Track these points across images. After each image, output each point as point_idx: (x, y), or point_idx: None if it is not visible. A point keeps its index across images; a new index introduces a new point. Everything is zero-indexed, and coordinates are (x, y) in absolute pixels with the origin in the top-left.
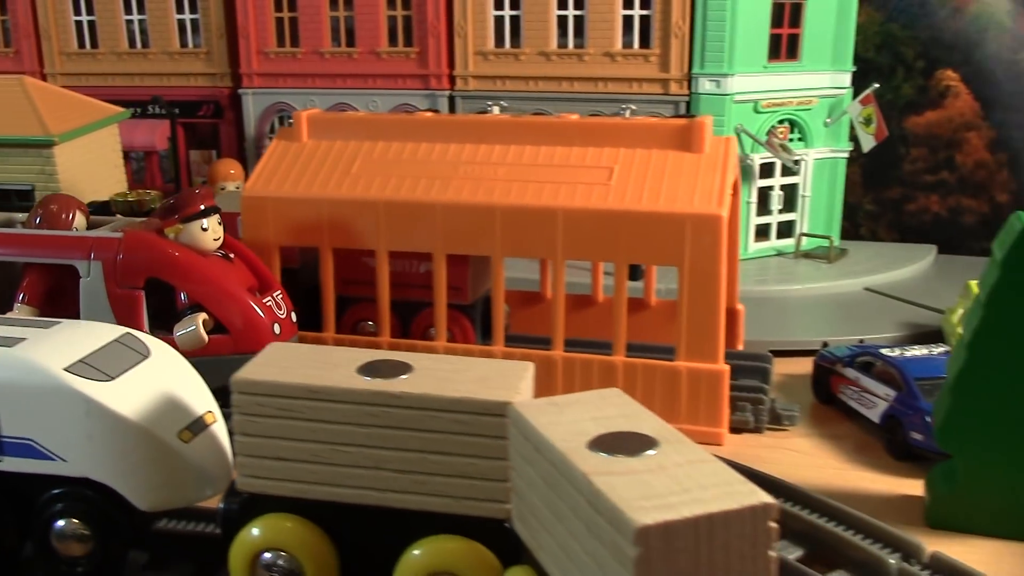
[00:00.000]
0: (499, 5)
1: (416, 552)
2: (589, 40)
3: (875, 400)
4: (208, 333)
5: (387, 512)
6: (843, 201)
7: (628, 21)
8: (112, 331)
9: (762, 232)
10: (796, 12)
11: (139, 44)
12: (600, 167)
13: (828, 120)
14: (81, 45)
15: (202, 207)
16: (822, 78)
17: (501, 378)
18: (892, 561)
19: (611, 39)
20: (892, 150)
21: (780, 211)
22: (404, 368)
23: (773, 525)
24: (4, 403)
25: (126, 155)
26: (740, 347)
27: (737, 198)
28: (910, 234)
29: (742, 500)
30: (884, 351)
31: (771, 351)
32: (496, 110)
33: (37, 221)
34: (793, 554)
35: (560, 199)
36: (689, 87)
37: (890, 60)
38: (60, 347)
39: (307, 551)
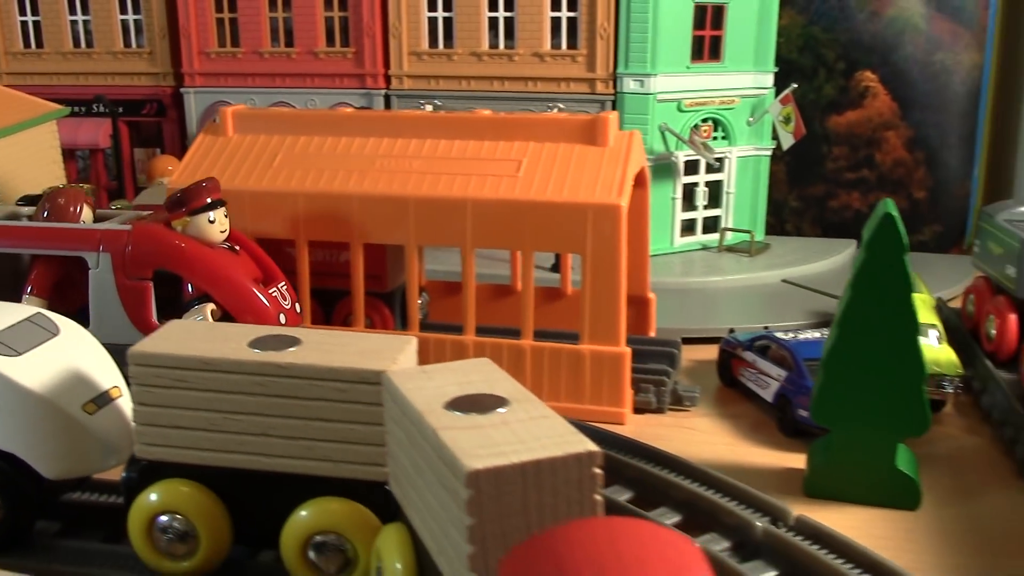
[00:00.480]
0: (432, 7)
1: (302, 513)
2: (519, 41)
3: (769, 381)
4: (216, 322)
5: (275, 476)
6: (769, 198)
7: (556, 23)
8: (23, 311)
9: (688, 227)
10: (718, 15)
11: (83, 44)
12: (509, 160)
13: (751, 119)
14: (27, 45)
15: (209, 200)
16: (744, 78)
17: (381, 351)
18: (759, 524)
19: (540, 40)
20: (815, 149)
21: (705, 207)
22: (293, 342)
23: (598, 471)
24: None
25: (72, 153)
26: (652, 334)
27: (645, 191)
28: (833, 230)
29: (568, 448)
30: (779, 335)
31: (686, 338)
32: (429, 108)
33: (45, 214)
34: (671, 519)
35: (470, 190)
36: (615, 86)
37: (812, 61)
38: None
39: (200, 514)
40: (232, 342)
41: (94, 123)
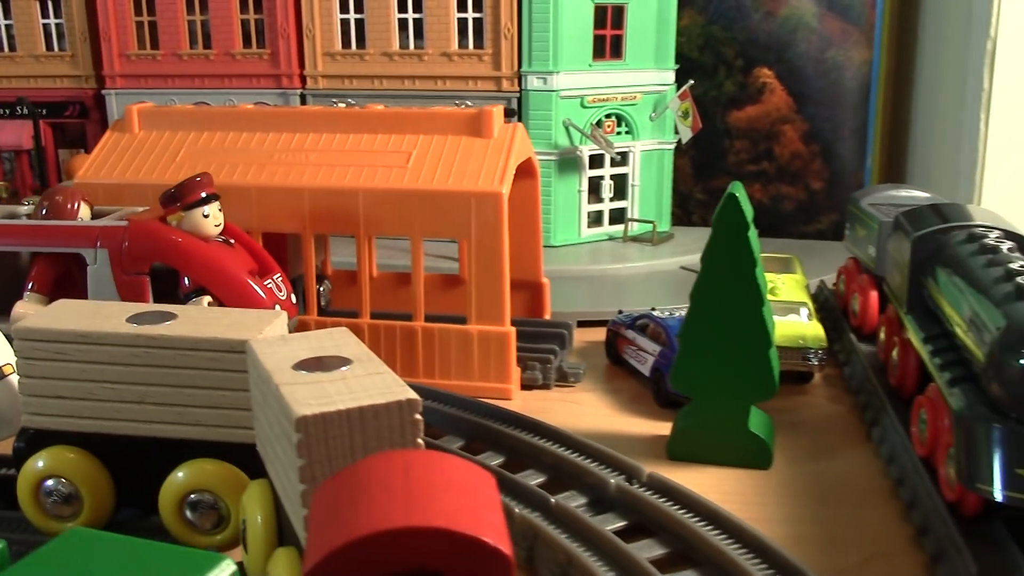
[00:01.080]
0: (344, 9)
1: (178, 475)
2: (428, 41)
3: (646, 356)
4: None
5: (152, 440)
6: (675, 190)
7: (463, 24)
8: None
9: (596, 219)
10: (618, 15)
11: (6, 48)
12: (399, 152)
13: (653, 114)
14: None
15: (203, 195)
16: (646, 75)
17: (249, 323)
18: (613, 481)
19: (448, 40)
20: (718, 143)
21: (611, 199)
22: (168, 316)
23: (418, 418)
24: None
25: None
26: (547, 316)
27: (535, 181)
28: None
29: (391, 397)
30: (656, 314)
31: (584, 321)
32: (342, 106)
33: (43, 212)
34: (536, 480)
35: (362, 181)
36: (520, 84)
37: (712, 59)
38: None
39: (83, 477)
40: (112, 318)
41: (17, 125)
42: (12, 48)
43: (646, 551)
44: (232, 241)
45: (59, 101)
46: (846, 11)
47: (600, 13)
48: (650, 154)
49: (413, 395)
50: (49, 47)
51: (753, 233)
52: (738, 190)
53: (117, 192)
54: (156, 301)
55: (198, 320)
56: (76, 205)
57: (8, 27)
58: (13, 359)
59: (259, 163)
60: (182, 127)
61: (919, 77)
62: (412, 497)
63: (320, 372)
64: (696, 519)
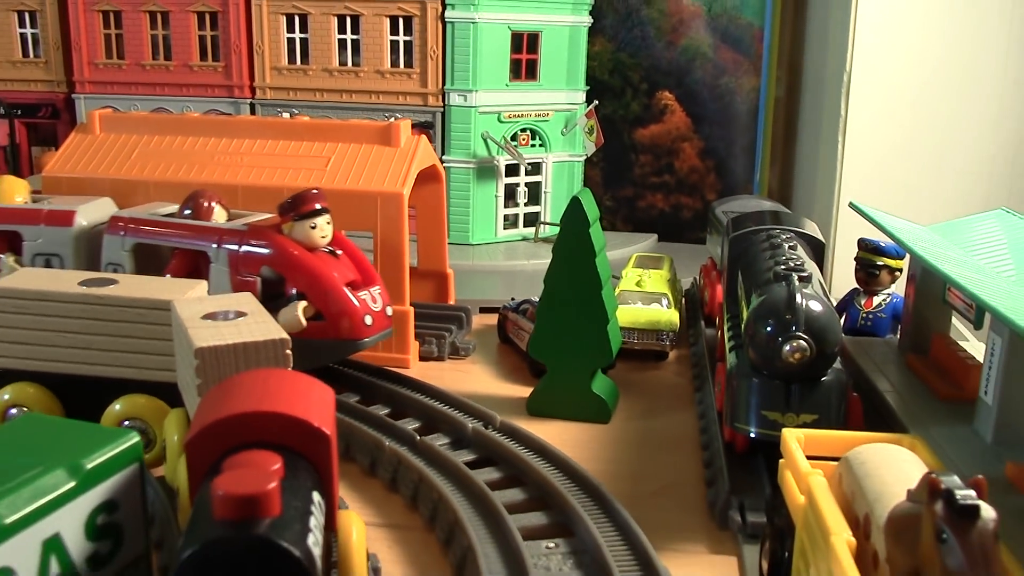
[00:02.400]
0: (291, 28)
1: (116, 406)
2: (364, 60)
3: (524, 335)
4: (310, 319)
5: (95, 379)
6: None
7: (395, 45)
8: None
9: (512, 222)
10: (533, 41)
11: None
12: (320, 157)
13: (564, 130)
14: None
15: (315, 207)
16: (558, 95)
17: (176, 288)
18: (471, 425)
19: (381, 59)
20: (625, 156)
21: (526, 204)
22: (112, 281)
23: (288, 353)
24: None
25: None
26: (451, 301)
27: (440, 184)
28: (642, 226)
29: (268, 336)
30: (534, 299)
31: (486, 308)
32: (287, 116)
33: (187, 212)
34: (412, 425)
35: (287, 180)
36: (443, 100)
37: (620, 82)
38: None
39: (40, 407)
40: (67, 282)
41: None
42: None
43: (484, 476)
44: (339, 252)
45: (33, 103)
46: (737, 43)
47: (517, 39)
48: (562, 165)
49: (285, 336)
50: (25, 54)
51: (596, 229)
52: (584, 195)
53: (78, 184)
54: (265, 302)
55: (135, 285)
56: (212, 206)
57: None
58: None
59: (201, 163)
60: (136, 131)
61: (803, 102)
62: (264, 394)
63: (221, 321)
64: (530, 453)
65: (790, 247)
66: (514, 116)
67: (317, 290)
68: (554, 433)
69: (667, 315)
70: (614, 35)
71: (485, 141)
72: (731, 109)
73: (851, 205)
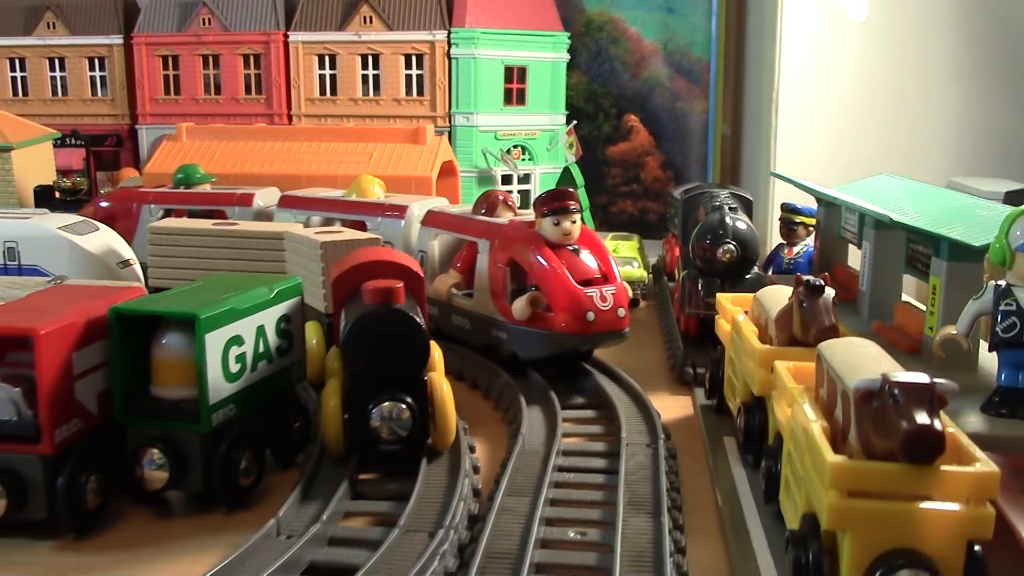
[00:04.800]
0: (321, 66)
1: None
2: (383, 90)
3: None
4: (541, 311)
5: None
6: None
7: (409, 78)
8: (76, 217)
9: None
10: (522, 74)
11: (60, 92)
12: (364, 153)
13: (548, 147)
14: (15, 93)
15: (558, 206)
16: (543, 118)
17: (283, 225)
18: None
19: (397, 89)
20: (599, 169)
21: (519, 207)
22: (236, 224)
23: (382, 244)
24: (27, 246)
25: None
26: None
27: (455, 177)
28: (616, 227)
29: (359, 236)
30: None
31: None
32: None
33: (483, 210)
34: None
35: (339, 170)
36: (450, 121)
37: (593, 108)
38: (71, 223)
39: None
40: (205, 225)
41: (68, 152)
42: (65, 93)
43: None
44: (582, 249)
45: (100, 134)
46: (689, 74)
47: (508, 72)
48: (548, 175)
49: (375, 236)
50: (94, 93)
51: (581, 192)
52: (574, 168)
53: (168, 180)
54: (514, 292)
55: (253, 224)
56: (499, 205)
57: (63, 78)
58: (133, 256)
59: (270, 160)
60: (215, 138)
61: (745, 118)
62: (377, 252)
63: (332, 233)
64: None
65: (725, 197)
66: (508, 134)
67: (543, 283)
68: None
69: (638, 272)
70: (588, 69)
71: (484, 155)
72: (686, 128)
73: (772, 174)
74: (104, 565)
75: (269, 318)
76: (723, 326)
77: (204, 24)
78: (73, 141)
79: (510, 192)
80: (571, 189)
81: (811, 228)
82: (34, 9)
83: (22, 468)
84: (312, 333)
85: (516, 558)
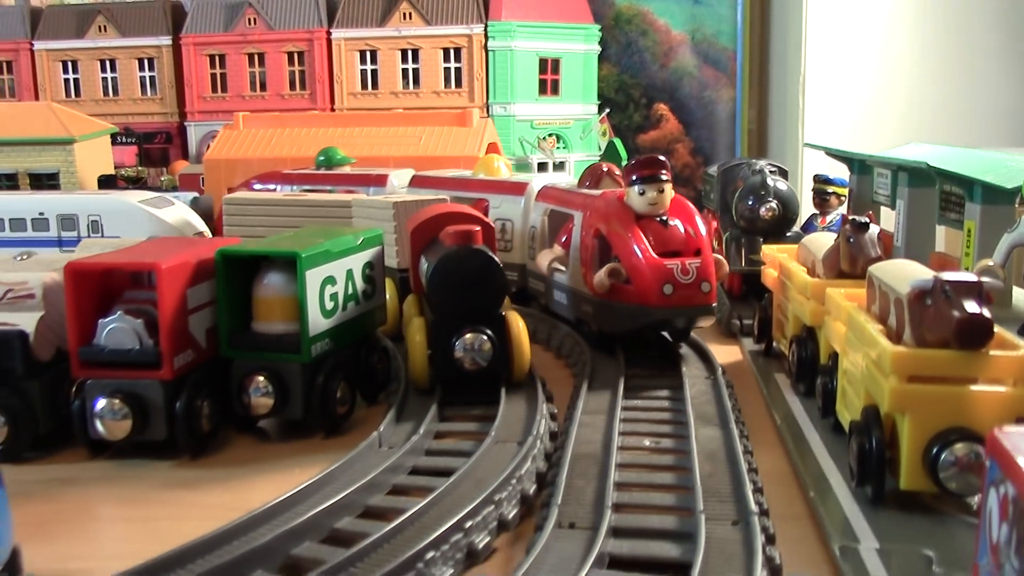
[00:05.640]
0: (363, 61)
1: None
2: (423, 83)
3: None
4: (621, 283)
5: None
6: None
7: (447, 71)
8: (152, 193)
9: None
10: (556, 65)
11: (111, 93)
12: (414, 136)
13: (581, 135)
14: (67, 95)
15: (644, 174)
16: (576, 107)
17: (350, 196)
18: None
19: (436, 82)
20: (630, 157)
21: None
22: (311, 195)
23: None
24: (110, 218)
25: None
26: None
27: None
28: None
29: (426, 197)
30: None
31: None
32: None
33: (587, 184)
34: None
35: (391, 152)
36: (488, 111)
37: (624, 98)
38: (149, 198)
39: None
40: (274, 196)
41: (121, 149)
42: (116, 93)
43: None
44: (671, 220)
45: (151, 131)
46: (716, 63)
47: (543, 64)
48: (581, 162)
49: (442, 196)
50: (143, 92)
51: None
52: (617, 142)
53: (232, 164)
54: (600, 262)
55: (324, 196)
56: (601, 179)
57: (114, 79)
58: (206, 229)
59: (325, 143)
60: (272, 125)
61: (771, 104)
62: (456, 208)
63: (391, 198)
64: None
65: (764, 164)
66: (543, 123)
67: (621, 254)
68: None
69: None
70: (618, 61)
71: (521, 143)
72: (714, 115)
73: (806, 144)
74: (220, 477)
75: (356, 263)
76: (770, 274)
77: (250, 24)
78: (125, 140)
79: None
80: (661, 157)
81: (843, 197)
82: (86, 13)
83: (144, 392)
84: (387, 287)
85: (601, 458)
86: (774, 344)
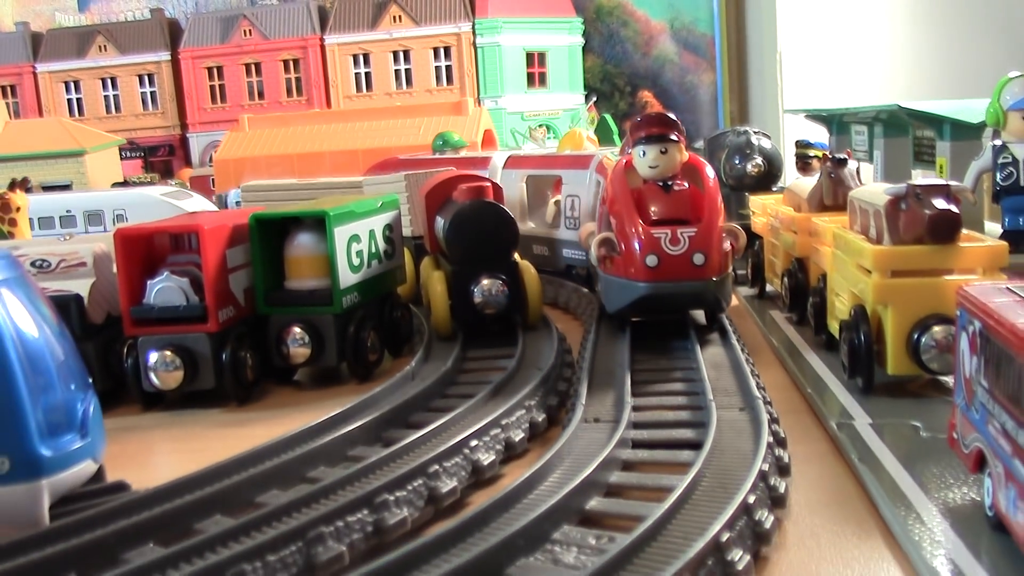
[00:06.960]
0: (356, 65)
1: None
2: (415, 82)
3: None
4: (616, 256)
5: None
6: None
7: (439, 69)
8: (170, 187)
9: None
10: (542, 58)
11: (113, 110)
12: (413, 126)
13: (570, 125)
14: (71, 113)
15: (642, 134)
16: (563, 98)
17: (355, 179)
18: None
19: (428, 81)
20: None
21: None
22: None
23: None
24: (134, 211)
25: None
26: None
27: (493, 145)
28: None
29: (432, 170)
30: None
31: None
32: None
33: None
34: None
35: (392, 142)
36: (479, 105)
37: (609, 87)
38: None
39: None
40: (288, 181)
41: (127, 162)
42: (118, 109)
43: None
44: (677, 185)
45: (154, 144)
46: (696, 49)
47: (530, 57)
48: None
49: (453, 169)
50: (144, 107)
51: (615, 138)
52: (609, 118)
53: (240, 162)
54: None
55: (336, 177)
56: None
57: (115, 96)
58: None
59: (328, 139)
60: (275, 125)
61: (750, 84)
62: (449, 174)
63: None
64: None
65: (748, 128)
66: (533, 115)
67: (616, 219)
68: None
69: None
70: (601, 51)
71: (513, 134)
72: (696, 100)
73: (785, 111)
74: (265, 417)
75: (378, 224)
76: (759, 222)
77: (245, 35)
78: (130, 153)
79: None
80: (668, 114)
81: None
82: (86, 34)
83: (193, 345)
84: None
85: (618, 375)
86: (767, 287)
